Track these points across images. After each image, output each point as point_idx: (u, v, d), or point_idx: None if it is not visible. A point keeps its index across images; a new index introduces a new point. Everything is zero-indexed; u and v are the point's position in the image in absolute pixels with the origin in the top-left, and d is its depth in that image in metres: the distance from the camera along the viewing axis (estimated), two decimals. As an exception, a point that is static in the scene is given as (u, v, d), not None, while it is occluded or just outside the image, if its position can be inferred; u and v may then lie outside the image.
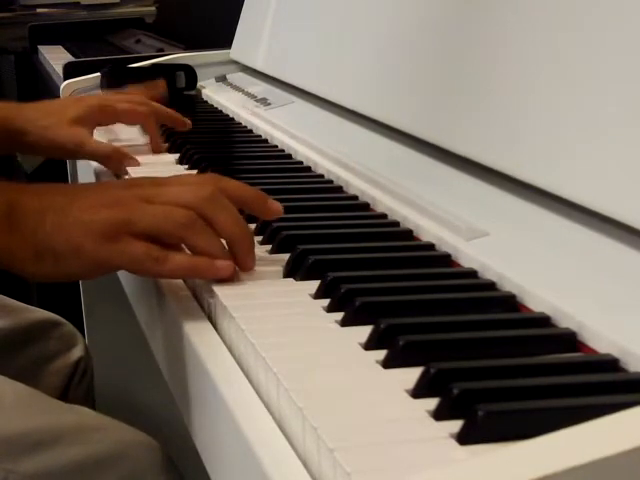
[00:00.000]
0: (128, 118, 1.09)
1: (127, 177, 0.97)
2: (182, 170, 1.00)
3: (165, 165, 1.03)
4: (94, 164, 1.09)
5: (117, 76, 1.39)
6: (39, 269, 0.66)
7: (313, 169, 0.95)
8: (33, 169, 2.04)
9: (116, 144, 1.10)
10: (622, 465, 0.36)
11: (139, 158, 1.04)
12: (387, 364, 0.51)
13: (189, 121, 1.12)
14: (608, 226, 0.61)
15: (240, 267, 0.66)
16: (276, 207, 0.70)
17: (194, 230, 0.64)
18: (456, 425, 0.44)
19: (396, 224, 0.76)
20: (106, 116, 1.07)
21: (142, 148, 1.09)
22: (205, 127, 1.22)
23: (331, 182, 0.90)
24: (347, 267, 0.65)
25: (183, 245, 0.66)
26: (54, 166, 1.13)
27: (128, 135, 1.13)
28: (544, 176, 0.68)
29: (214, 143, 1.14)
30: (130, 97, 1.11)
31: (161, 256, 0.63)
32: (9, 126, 1.02)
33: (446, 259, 0.68)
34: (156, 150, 1.08)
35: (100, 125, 1.08)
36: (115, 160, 1.01)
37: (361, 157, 0.91)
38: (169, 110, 1.11)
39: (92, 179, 1.08)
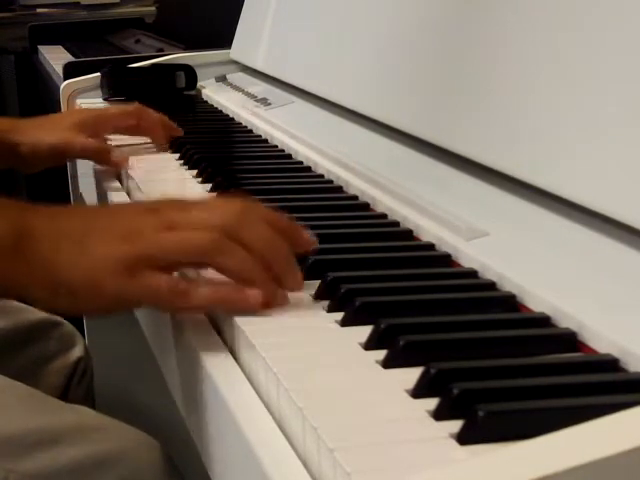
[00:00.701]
0: (120, 119, 1.09)
1: (133, 177, 0.97)
2: (182, 170, 1.00)
3: (165, 165, 1.03)
4: (92, 164, 1.09)
5: (117, 76, 1.39)
6: (55, 304, 0.63)
7: (313, 169, 0.95)
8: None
9: (116, 143, 1.10)
10: (622, 465, 0.36)
11: (139, 158, 1.04)
12: (387, 364, 0.51)
13: (180, 129, 1.12)
14: (608, 226, 0.61)
15: (283, 286, 0.61)
16: (309, 239, 0.65)
17: (219, 251, 0.59)
18: (456, 425, 0.44)
19: (396, 224, 0.76)
20: (99, 123, 1.07)
21: (141, 148, 1.09)
22: (205, 127, 1.22)
23: (331, 182, 0.90)
24: (347, 267, 0.65)
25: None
26: (54, 169, 1.13)
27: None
28: (544, 176, 0.68)
29: (214, 143, 1.15)
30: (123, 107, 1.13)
31: (185, 290, 0.59)
32: (4, 139, 1.03)
33: (446, 259, 0.68)
34: (162, 140, 1.09)
35: (95, 135, 1.07)
36: (105, 154, 1.01)
37: (361, 157, 0.91)
38: (162, 117, 1.11)
39: (92, 182, 1.08)
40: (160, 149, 1.09)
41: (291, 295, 0.62)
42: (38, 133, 1.04)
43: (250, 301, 0.59)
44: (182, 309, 0.61)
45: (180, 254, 0.60)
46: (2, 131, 1.04)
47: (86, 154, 1.05)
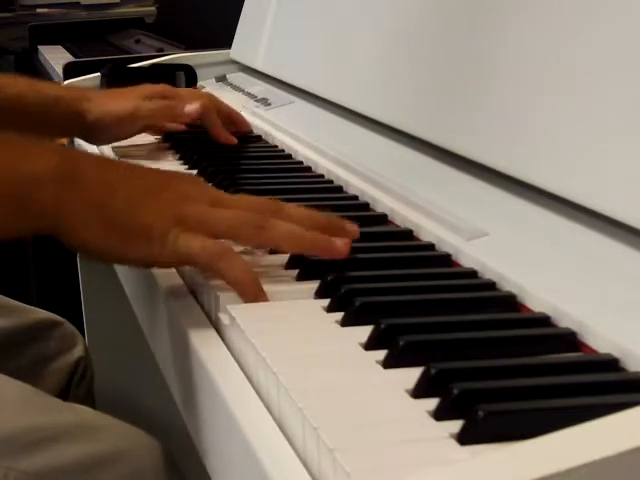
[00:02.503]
0: (189, 100, 1.09)
1: None
2: (182, 170, 1.00)
3: (165, 164, 1.03)
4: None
5: (117, 76, 1.39)
6: (104, 245, 0.63)
7: (313, 169, 0.95)
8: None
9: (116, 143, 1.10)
10: (622, 465, 0.36)
11: (139, 157, 1.04)
12: (387, 364, 0.51)
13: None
14: (608, 226, 0.61)
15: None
16: (352, 227, 0.68)
17: (268, 230, 0.63)
18: (456, 425, 0.44)
19: (396, 224, 0.76)
20: (167, 97, 1.08)
21: (141, 148, 1.09)
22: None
23: (331, 182, 0.90)
24: (347, 267, 0.65)
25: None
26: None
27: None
28: (544, 176, 0.68)
29: (214, 143, 1.14)
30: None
31: (229, 255, 0.62)
32: (74, 107, 1.03)
33: (446, 259, 0.68)
34: (225, 139, 1.09)
35: None
36: (173, 109, 1.03)
37: (361, 157, 0.91)
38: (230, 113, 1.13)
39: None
40: (160, 149, 1.09)
41: (291, 295, 0.62)
42: (106, 103, 1.03)
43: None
44: (221, 274, 0.62)
45: (235, 230, 0.63)
46: (69, 99, 1.03)
47: (155, 113, 1.05)
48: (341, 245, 0.64)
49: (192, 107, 1.04)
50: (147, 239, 0.62)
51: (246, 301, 0.61)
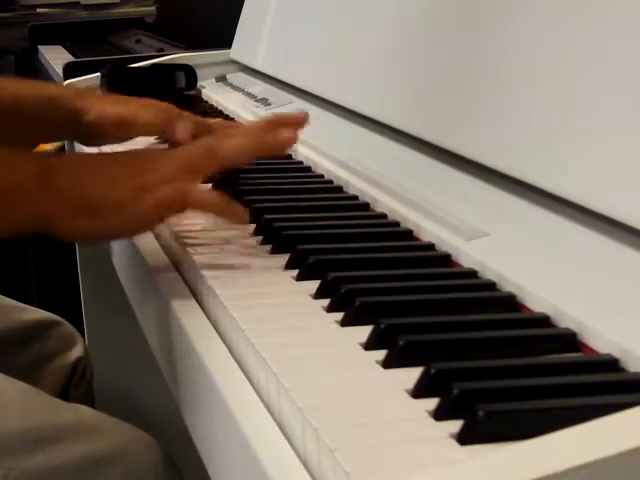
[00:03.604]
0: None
1: None
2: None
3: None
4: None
5: (117, 76, 1.39)
6: (78, 228, 0.68)
7: (313, 169, 0.95)
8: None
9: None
10: (622, 465, 0.36)
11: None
12: (387, 364, 0.51)
13: None
14: (608, 226, 0.61)
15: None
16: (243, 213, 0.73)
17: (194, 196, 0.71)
18: (456, 425, 0.44)
19: (396, 224, 0.76)
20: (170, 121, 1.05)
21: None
22: (205, 127, 1.22)
23: (331, 182, 0.90)
24: (347, 267, 0.65)
25: None
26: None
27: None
28: (544, 176, 0.68)
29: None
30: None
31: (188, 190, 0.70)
32: (68, 106, 0.99)
33: (446, 259, 0.68)
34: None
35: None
36: (170, 125, 1.00)
37: (361, 157, 0.91)
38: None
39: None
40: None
41: (291, 295, 0.62)
42: (105, 105, 1.00)
43: (238, 212, 0.72)
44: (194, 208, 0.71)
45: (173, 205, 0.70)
46: (66, 98, 1.00)
47: (151, 128, 1.02)
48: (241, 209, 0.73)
49: (185, 134, 1.01)
50: (117, 209, 0.68)
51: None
